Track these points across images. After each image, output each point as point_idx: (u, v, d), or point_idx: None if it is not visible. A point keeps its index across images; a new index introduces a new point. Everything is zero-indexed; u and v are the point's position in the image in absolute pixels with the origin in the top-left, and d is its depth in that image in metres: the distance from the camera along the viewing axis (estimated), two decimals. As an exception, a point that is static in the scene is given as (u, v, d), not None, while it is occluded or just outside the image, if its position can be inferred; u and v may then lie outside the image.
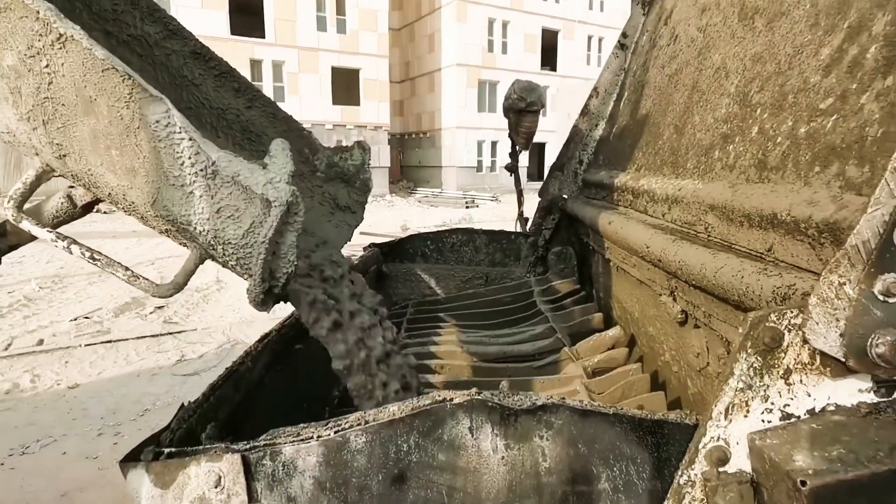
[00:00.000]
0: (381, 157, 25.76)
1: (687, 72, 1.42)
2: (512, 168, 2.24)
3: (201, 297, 7.42)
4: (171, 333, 5.85)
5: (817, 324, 0.50)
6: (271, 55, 23.71)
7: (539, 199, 2.08)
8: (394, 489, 0.57)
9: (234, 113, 1.24)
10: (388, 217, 16.98)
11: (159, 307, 6.84)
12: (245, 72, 22.13)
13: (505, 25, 29.12)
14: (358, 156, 1.28)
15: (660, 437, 0.57)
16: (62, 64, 0.67)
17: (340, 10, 25.13)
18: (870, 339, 0.48)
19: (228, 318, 6.48)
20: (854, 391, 0.52)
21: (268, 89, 23.14)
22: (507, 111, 2.10)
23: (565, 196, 2.00)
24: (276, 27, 23.65)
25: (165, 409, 4.11)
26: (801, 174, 0.80)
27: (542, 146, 29.33)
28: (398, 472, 0.57)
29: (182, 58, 1.26)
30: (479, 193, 24.77)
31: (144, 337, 5.71)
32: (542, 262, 2.03)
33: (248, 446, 0.59)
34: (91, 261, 0.79)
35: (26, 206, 0.80)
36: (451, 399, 0.57)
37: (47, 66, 0.68)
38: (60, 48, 0.67)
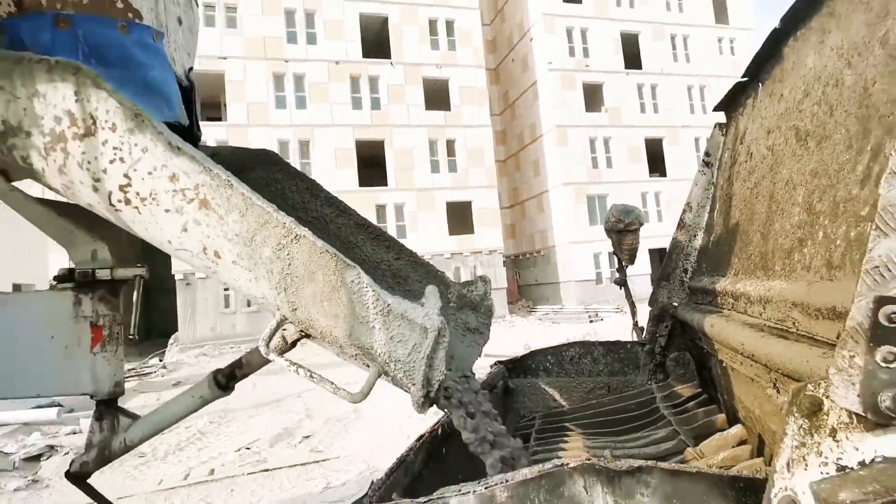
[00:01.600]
0: (497, 278, 26.52)
1: (764, 184, 1.60)
2: (621, 282, 2.42)
3: (342, 426, 7.92)
4: (317, 462, 6.28)
5: (838, 388, 0.63)
6: (393, 199, 26.58)
7: (650, 308, 2.21)
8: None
9: (386, 264, 1.63)
10: (509, 337, 17.04)
11: (306, 437, 7.41)
12: (371, 215, 24.96)
13: (606, 141, 30.17)
14: (481, 287, 1.59)
15: (738, 490, 0.70)
16: (297, 252, 1.08)
17: (451, 152, 27.97)
18: (879, 397, 0.61)
19: (367, 446, 6.81)
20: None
21: (391, 228, 25.62)
22: (609, 232, 2.35)
23: (675, 304, 2.12)
24: (397, 175, 26.77)
25: (316, 535, 4.36)
26: (855, 272, 0.95)
27: (662, 251, 28.35)
28: (533, 524, 0.76)
29: (349, 228, 1.71)
30: (602, 306, 24.08)
31: (295, 465, 6.19)
32: (661, 369, 2.10)
33: (426, 499, 0.82)
34: (310, 378, 1.13)
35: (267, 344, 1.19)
36: (568, 464, 0.77)
37: (288, 254, 1.09)
38: (296, 242, 1.08)
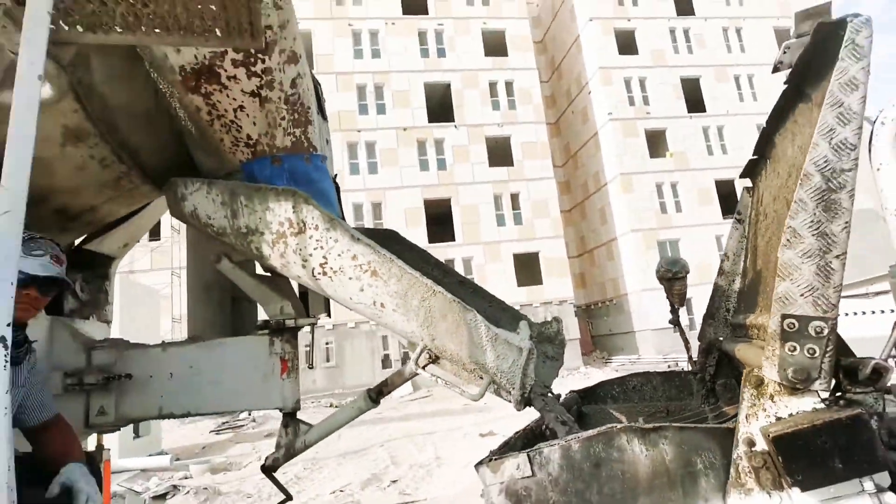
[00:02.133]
0: (569, 329, 26.25)
1: (773, 239, 2.06)
2: (675, 322, 2.85)
3: (425, 472, 8.33)
4: None
5: (768, 369, 1.10)
6: (461, 253, 27.42)
7: (699, 342, 2.62)
8: (594, 470, 1.25)
9: (482, 310, 2.21)
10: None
11: (394, 481, 7.88)
12: (442, 271, 25.75)
13: (673, 186, 29.83)
14: (554, 325, 2.13)
15: (721, 436, 1.17)
16: (434, 302, 1.68)
17: (515, 205, 28.71)
18: (787, 371, 1.08)
19: (451, 490, 7.17)
20: (809, 403, 1.08)
21: (461, 282, 26.22)
22: (660, 280, 2.81)
23: (720, 338, 2.52)
24: (464, 230, 27.74)
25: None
26: (808, 302, 1.42)
27: (743, 296, 27.02)
28: (595, 461, 1.26)
29: (453, 285, 2.32)
30: (682, 355, 23.12)
31: (386, 506, 6.65)
32: (712, 394, 2.48)
33: (529, 450, 1.34)
34: (445, 384, 1.71)
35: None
36: (616, 426, 1.27)
37: (429, 304, 1.69)
38: (433, 296, 1.69)
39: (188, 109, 1.93)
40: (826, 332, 1.11)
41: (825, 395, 1.15)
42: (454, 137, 28.88)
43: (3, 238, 1.01)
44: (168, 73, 1.82)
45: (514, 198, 28.78)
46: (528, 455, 1.34)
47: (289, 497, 2.33)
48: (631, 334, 28.86)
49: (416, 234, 26.68)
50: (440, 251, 26.94)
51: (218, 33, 1.46)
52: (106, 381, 2.14)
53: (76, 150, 1.91)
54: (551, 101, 36.82)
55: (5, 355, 1.02)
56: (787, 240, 1.18)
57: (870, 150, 1.40)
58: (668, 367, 20.49)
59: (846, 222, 1.15)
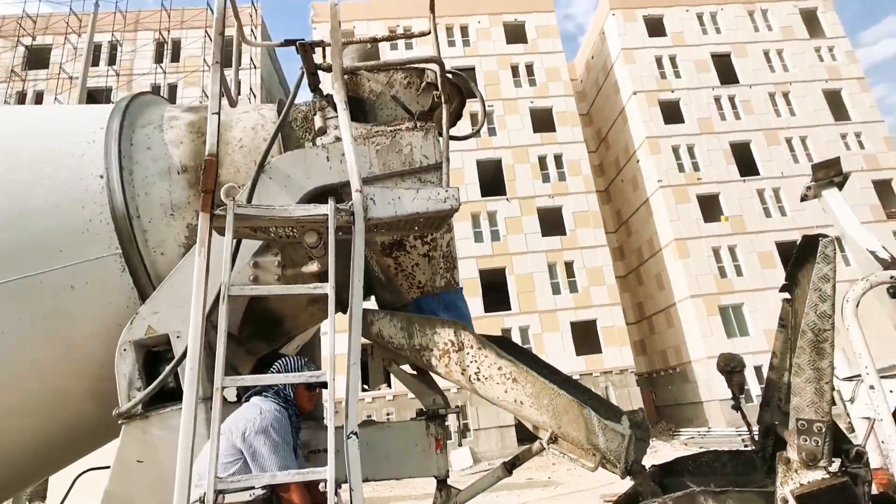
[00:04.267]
0: (631, 399, 25.66)
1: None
2: (737, 408, 3.47)
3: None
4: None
5: (792, 452, 1.80)
6: (517, 322, 27.80)
7: (758, 425, 3.22)
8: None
9: (585, 402, 2.96)
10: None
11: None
12: (500, 340, 26.15)
13: (732, 250, 29.53)
14: (640, 413, 2.84)
15: (765, 497, 1.85)
16: (558, 400, 2.47)
17: (570, 273, 29.14)
18: (803, 454, 1.76)
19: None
20: (820, 474, 1.76)
21: (519, 351, 26.45)
22: (721, 372, 3.47)
23: (776, 422, 3.13)
24: (519, 299, 28.26)
25: None
26: (823, 405, 2.13)
27: (818, 362, 25.73)
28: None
29: (560, 382, 3.09)
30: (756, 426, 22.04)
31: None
32: (772, 471, 3.06)
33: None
34: (567, 457, 2.45)
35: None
36: (695, 489, 1.97)
37: (554, 403, 2.48)
38: (558, 396, 2.48)
39: (381, 266, 2.90)
40: (824, 429, 1.80)
41: (832, 468, 1.82)
42: (506, 210, 30.10)
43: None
44: (374, 246, 2.80)
45: (569, 266, 29.26)
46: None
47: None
48: (698, 405, 27.76)
49: (473, 303, 27.40)
50: (496, 321, 27.40)
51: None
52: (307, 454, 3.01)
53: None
54: (600, 171, 37.82)
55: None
56: (795, 371, 1.92)
57: (842, 317, 2.12)
58: (742, 440, 19.63)
59: (830, 361, 1.87)
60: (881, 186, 31.09)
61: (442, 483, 2.96)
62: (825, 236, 2.13)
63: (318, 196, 2.60)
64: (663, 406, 31.18)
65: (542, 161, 31.58)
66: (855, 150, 31.77)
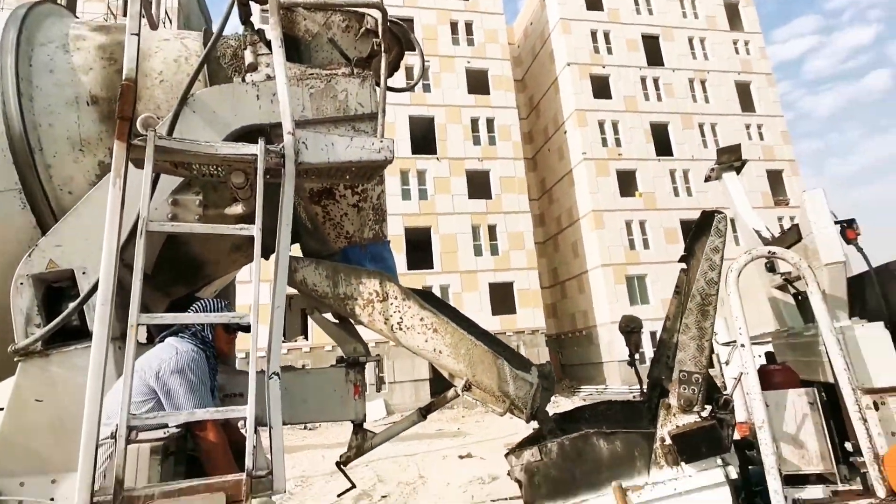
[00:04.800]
0: (540, 358, 27.27)
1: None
2: (631, 364, 3.83)
3: (412, 488, 9.09)
4: (398, 514, 7.47)
5: (673, 399, 2.07)
6: (439, 281, 28.33)
7: (648, 380, 3.60)
8: (577, 456, 2.20)
9: (500, 354, 3.15)
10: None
11: (384, 496, 8.61)
12: (420, 298, 26.61)
13: (642, 224, 31.55)
14: (548, 367, 3.08)
15: (648, 437, 2.12)
16: (476, 351, 2.62)
17: (493, 236, 29.91)
18: (682, 400, 2.04)
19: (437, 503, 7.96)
20: (693, 418, 2.05)
21: (438, 309, 27.07)
22: (621, 332, 3.80)
23: (662, 377, 3.51)
24: (442, 258, 28.72)
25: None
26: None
27: (704, 331, 28.61)
28: (578, 451, 2.20)
29: (478, 334, 3.26)
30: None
31: (381, 517, 7.39)
32: (656, 418, 3.45)
33: (539, 445, 2.25)
34: (483, 405, 2.62)
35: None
36: (590, 430, 2.21)
37: (472, 353, 2.63)
38: (475, 347, 2.63)
39: (309, 213, 2.86)
40: (701, 380, 2.08)
41: (704, 414, 2.11)
42: (436, 169, 30.08)
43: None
44: (302, 192, 2.75)
45: (492, 229, 30.00)
46: (539, 448, 2.27)
47: (353, 485, 3.19)
48: (599, 365, 30.04)
49: (397, 260, 27.37)
50: (419, 278, 27.77)
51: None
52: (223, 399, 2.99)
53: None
54: (529, 138, 38.56)
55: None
56: (683, 330, 2.17)
57: (726, 284, 2.41)
58: (633, 397, 21.62)
59: (712, 322, 2.14)
60: (773, 176, 34.27)
61: (358, 427, 3.07)
62: (720, 213, 2.39)
63: (244, 136, 2.50)
64: (568, 365, 33.42)
65: (474, 123, 31.63)
66: (756, 140, 34.61)
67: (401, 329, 2.77)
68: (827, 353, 2.31)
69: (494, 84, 32.47)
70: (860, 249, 2.58)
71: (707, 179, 3.96)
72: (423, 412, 2.99)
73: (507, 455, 2.46)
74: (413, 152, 30.05)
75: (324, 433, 19.45)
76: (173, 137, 2.13)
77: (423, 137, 31.19)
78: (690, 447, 2.10)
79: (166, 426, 2.08)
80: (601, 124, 32.85)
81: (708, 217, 2.53)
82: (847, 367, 2.28)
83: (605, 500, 2.26)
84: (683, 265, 3.68)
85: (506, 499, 7.75)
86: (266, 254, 2.59)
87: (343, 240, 2.97)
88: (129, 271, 2.05)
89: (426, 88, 31.37)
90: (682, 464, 2.15)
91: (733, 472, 2.19)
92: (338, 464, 3.08)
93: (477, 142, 31.32)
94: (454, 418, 20.88)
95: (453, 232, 29.27)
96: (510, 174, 31.21)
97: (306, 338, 25.99)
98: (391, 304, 2.78)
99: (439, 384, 24.17)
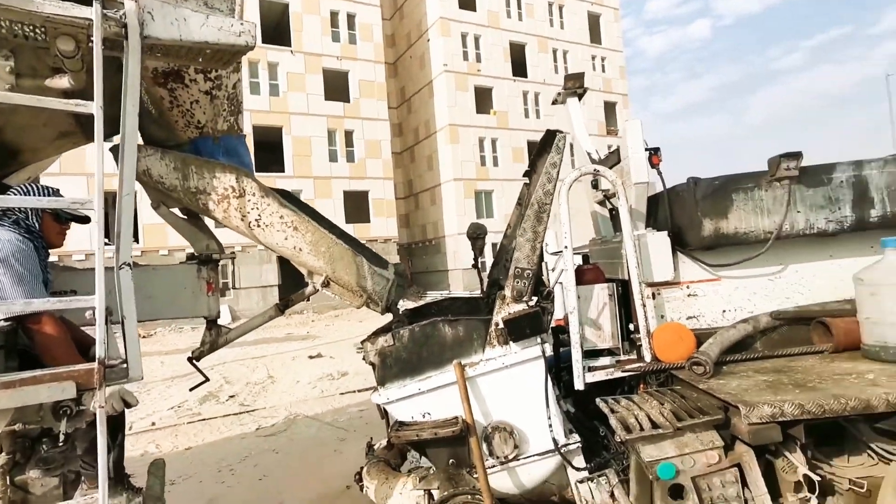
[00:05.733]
0: (392, 266, 28.18)
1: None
2: (475, 266, 4.27)
3: (261, 387, 9.23)
4: (248, 412, 7.63)
5: (508, 290, 2.46)
6: (291, 186, 26.97)
7: (487, 280, 4.08)
8: (425, 340, 2.52)
9: (358, 252, 3.30)
10: (402, 318, 18.88)
11: (231, 396, 8.64)
12: (269, 202, 25.25)
13: (494, 142, 33.04)
14: (402, 265, 3.32)
15: (485, 323, 2.52)
16: (335, 249, 2.73)
17: (349, 142, 29.04)
18: (514, 291, 2.44)
19: (286, 400, 8.25)
20: (523, 307, 2.46)
21: (289, 215, 26.08)
22: (468, 237, 4.18)
23: (500, 278, 4.00)
24: (294, 162, 27.32)
25: (261, 455, 5.81)
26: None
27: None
28: (426, 335, 2.51)
29: (338, 234, 3.35)
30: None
31: (229, 415, 7.49)
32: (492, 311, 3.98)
33: (392, 331, 2.53)
34: (340, 297, 2.78)
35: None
36: (437, 319, 2.53)
37: (332, 250, 2.72)
38: (336, 245, 2.73)
39: (153, 97, 2.57)
40: (531, 275, 2.48)
41: (531, 303, 2.54)
42: (290, 64, 27.66)
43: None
44: (145, 72, 2.45)
45: (349, 135, 29.05)
46: (392, 333, 2.53)
47: (206, 379, 3.22)
48: (445, 272, 32.08)
49: (243, 161, 25.43)
50: (269, 181, 25.76)
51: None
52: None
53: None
54: (391, 41, 36.95)
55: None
56: (520, 233, 2.52)
57: (558, 196, 2.81)
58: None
59: (545, 227, 2.53)
60: (608, 108, 37.78)
61: (212, 323, 3.06)
62: (561, 133, 2.72)
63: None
64: (417, 272, 35.11)
65: (333, 17, 29.26)
66: (598, 71, 37.42)
67: (259, 226, 2.75)
68: (625, 255, 2.88)
69: (357, -25, 29.97)
70: (660, 173, 3.15)
71: (554, 102, 4.34)
72: (281, 307, 3.08)
73: (363, 342, 2.70)
74: (264, 41, 27.05)
75: (160, 340, 18.35)
76: (-26, -17, 1.75)
77: (276, 27, 28.15)
78: (518, 329, 2.54)
79: (-9, 319, 1.89)
80: (464, 37, 32.65)
81: (550, 136, 2.86)
82: (638, 265, 2.86)
83: (447, 375, 2.64)
84: (527, 180, 4.10)
85: (354, 391, 8.31)
86: (105, 138, 2.33)
87: (193, 129, 2.76)
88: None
89: (280, -32, 27.86)
90: (511, 343, 2.60)
91: (549, 350, 2.71)
92: (190, 359, 3.07)
93: (336, 38, 29.21)
94: (303, 322, 21.06)
95: (307, 135, 27.75)
96: (370, 78, 29.98)
97: (137, 241, 23.43)
98: (248, 200, 2.73)
99: (287, 290, 23.89)
